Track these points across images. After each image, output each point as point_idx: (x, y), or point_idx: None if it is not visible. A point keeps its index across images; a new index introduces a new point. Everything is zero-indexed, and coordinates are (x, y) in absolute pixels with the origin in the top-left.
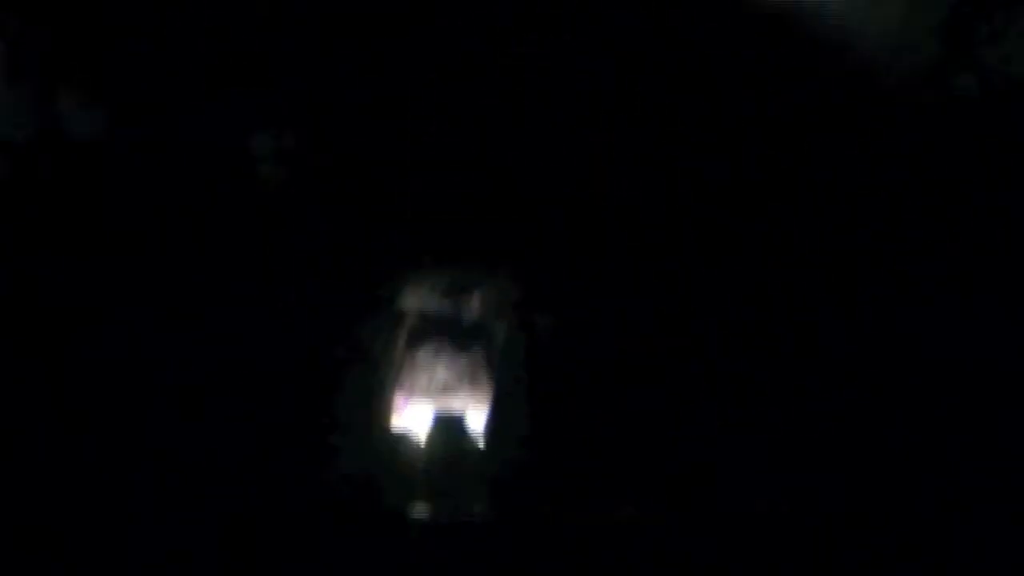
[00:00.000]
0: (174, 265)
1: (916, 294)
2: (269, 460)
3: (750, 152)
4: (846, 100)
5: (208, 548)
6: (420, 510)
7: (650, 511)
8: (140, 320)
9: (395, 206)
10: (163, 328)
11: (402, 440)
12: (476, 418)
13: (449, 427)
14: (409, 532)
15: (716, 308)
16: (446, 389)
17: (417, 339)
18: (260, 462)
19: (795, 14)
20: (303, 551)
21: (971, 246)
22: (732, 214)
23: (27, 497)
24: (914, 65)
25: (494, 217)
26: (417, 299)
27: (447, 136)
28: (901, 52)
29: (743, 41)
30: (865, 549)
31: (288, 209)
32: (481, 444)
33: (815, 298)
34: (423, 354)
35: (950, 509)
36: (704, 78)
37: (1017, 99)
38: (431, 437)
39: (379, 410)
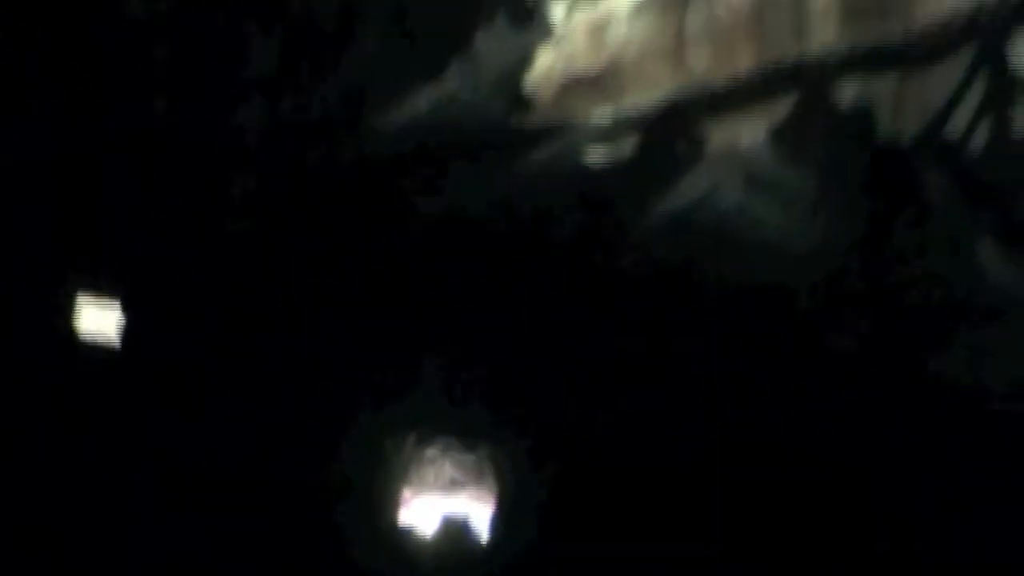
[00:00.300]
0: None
1: None
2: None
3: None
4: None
5: None
6: None
7: None
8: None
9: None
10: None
11: (407, 536)
12: (482, 517)
13: (455, 526)
14: None
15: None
16: (453, 487)
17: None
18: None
19: (725, 228)
20: None
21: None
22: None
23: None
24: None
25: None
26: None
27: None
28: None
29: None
30: None
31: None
32: (486, 543)
33: None
34: (431, 451)
35: None
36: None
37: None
38: (437, 535)
39: (385, 505)
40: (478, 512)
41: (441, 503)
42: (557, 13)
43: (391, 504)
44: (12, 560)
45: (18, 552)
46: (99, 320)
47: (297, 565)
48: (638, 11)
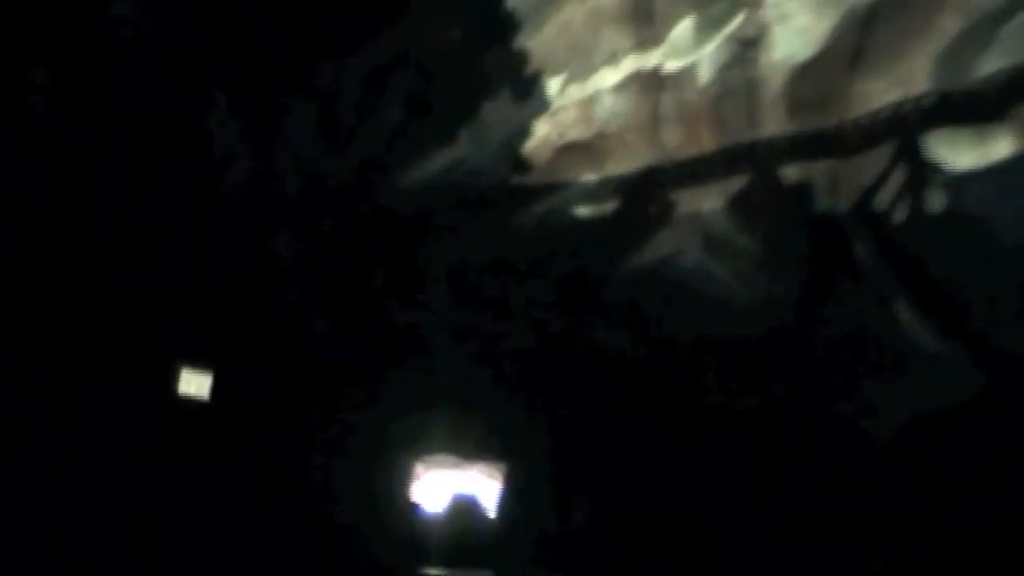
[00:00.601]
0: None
1: None
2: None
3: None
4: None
5: None
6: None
7: None
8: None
9: None
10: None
11: (418, 510)
12: (490, 493)
13: (464, 501)
14: None
15: None
16: (463, 463)
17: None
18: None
19: (687, 282)
20: None
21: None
22: None
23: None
24: (771, 325)
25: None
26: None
27: None
28: (762, 316)
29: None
30: None
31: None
32: (494, 517)
33: None
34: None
35: None
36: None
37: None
38: (447, 510)
39: (398, 480)
40: (487, 488)
41: (451, 479)
42: (552, 89)
43: (402, 480)
44: None
45: None
46: (195, 384)
47: (310, 541)
48: (620, 91)
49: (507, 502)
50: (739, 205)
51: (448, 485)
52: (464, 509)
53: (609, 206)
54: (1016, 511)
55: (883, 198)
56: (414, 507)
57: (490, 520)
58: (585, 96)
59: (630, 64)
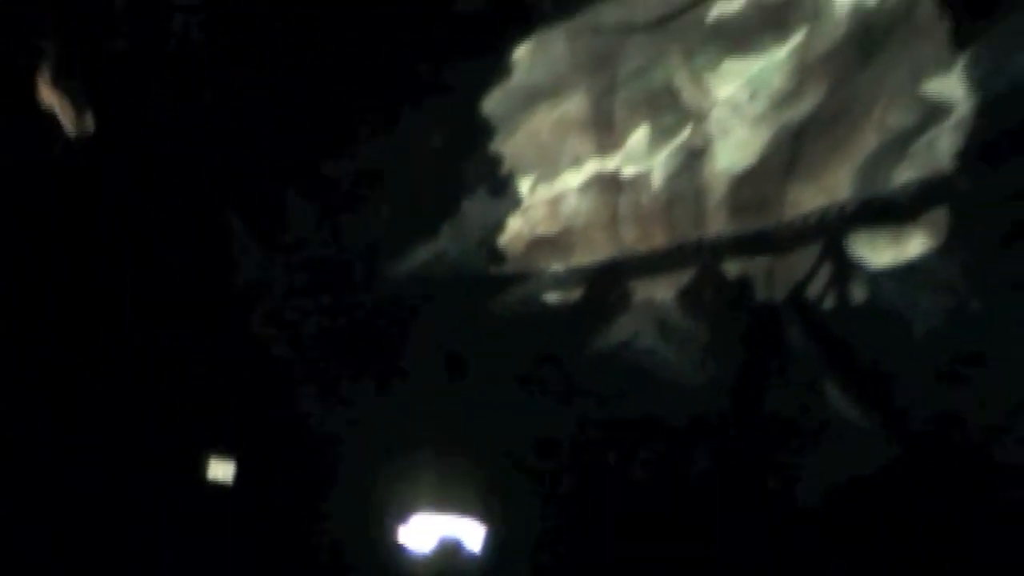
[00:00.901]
0: None
1: None
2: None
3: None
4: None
5: None
6: None
7: None
8: None
9: None
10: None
11: (403, 554)
12: (476, 536)
13: (450, 545)
14: None
15: None
16: (449, 507)
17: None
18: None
19: (642, 364)
20: None
21: None
22: None
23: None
24: (715, 404)
25: None
26: None
27: None
28: (698, 399)
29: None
30: None
31: None
32: (479, 559)
33: None
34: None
35: None
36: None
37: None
38: (432, 553)
39: (381, 523)
40: (472, 531)
41: (437, 522)
42: (523, 189)
43: (388, 522)
44: None
45: None
46: (220, 470)
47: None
48: (584, 192)
49: (491, 545)
50: (688, 295)
51: (434, 528)
52: (450, 551)
53: (574, 294)
54: (919, 554)
55: (813, 291)
56: (401, 549)
57: (475, 562)
58: (552, 195)
59: (592, 168)
